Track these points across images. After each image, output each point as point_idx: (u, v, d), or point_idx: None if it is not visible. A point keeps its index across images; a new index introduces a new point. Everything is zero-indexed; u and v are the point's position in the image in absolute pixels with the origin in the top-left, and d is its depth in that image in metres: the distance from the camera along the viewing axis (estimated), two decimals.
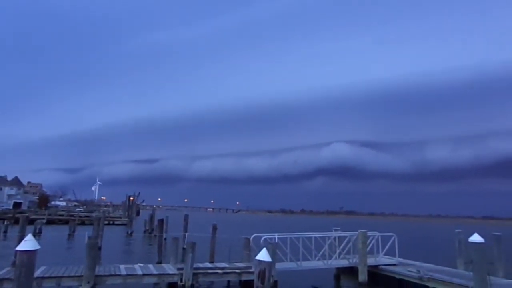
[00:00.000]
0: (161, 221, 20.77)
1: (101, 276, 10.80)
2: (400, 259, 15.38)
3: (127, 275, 11.16)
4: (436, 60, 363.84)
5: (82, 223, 44.13)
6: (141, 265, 12.76)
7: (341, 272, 15.27)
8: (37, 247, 6.77)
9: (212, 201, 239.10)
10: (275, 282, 12.34)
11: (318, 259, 14.04)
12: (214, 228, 18.87)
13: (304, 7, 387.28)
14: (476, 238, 9.61)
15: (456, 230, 15.62)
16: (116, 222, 49.21)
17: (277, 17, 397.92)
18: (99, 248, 21.00)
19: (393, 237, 15.24)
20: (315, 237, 14.35)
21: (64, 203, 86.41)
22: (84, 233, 12.90)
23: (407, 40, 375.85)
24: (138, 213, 69.25)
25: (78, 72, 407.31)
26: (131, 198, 56.13)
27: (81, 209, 68.30)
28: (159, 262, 16.25)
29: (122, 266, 12.25)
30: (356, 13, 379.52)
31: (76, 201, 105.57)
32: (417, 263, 15.47)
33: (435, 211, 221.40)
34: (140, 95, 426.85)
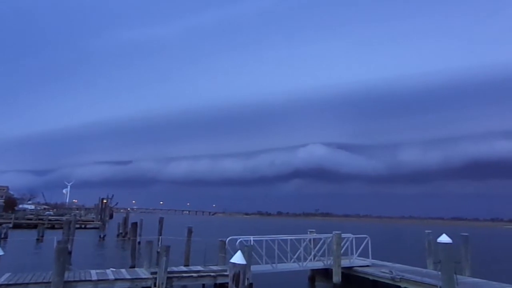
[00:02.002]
0: (135, 224, 20.31)
1: (70, 282, 10.43)
2: (373, 260, 15.69)
3: (98, 280, 10.83)
4: (409, 64, 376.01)
5: (52, 227, 42.59)
6: (114, 269, 12.42)
7: (316, 273, 15.42)
8: (1, 253, 6.47)
9: (188, 204, 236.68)
10: (251, 284, 12.31)
11: (293, 261, 14.12)
12: (190, 231, 18.65)
13: (281, 9, 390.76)
14: (444, 238, 9.94)
15: (426, 231, 16.12)
16: (88, 226, 47.82)
17: (254, 18, 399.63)
18: (69, 253, 20.30)
19: (366, 239, 15.54)
20: (291, 240, 14.43)
21: (32, 207, 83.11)
22: (53, 238, 12.44)
23: (383, 44, 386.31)
24: (111, 216, 67.55)
25: (48, 71, 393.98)
26: (104, 201, 54.60)
27: (51, 213, 65.88)
28: (133, 267, 15.87)
29: (93, 271, 11.89)
30: (333, 16, 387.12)
31: (45, 204, 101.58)
32: (390, 264, 15.85)
33: (408, 212, 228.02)
34: (113, 95, 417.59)
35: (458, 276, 11.03)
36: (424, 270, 14.33)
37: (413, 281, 12.24)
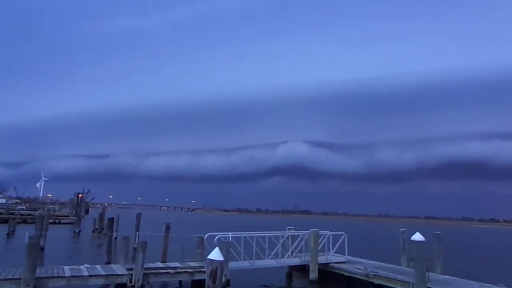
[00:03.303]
0: (111, 220, 19.94)
1: (42, 278, 10.14)
2: (349, 257, 16.00)
3: (72, 276, 10.58)
4: (389, 65, 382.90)
5: (24, 221, 41.26)
6: (88, 266, 12.16)
7: (293, 270, 15.59)
8: None
9: (166, 200, 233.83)
10: (228, 281, 12.33)
11: (271, 258, 14.23)
12: (168, 227, 18.48)
13: (266, 6, 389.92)
14: (417, 236, 10.24)
15: (401, 229, 16.54)
16: (62, 221, 46.58)
17: (238, 14, 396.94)
18: (42, 249, 19.77)
19: (343, 236, 15.83)
20: (269, 236, 14.53)
21: (3, 201, 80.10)
22: (25, 232, 12.06)
23: (365, 44, 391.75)
24: (87, 212, 66.05)
25: (22, 61, 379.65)
26: (80, 196, 53.40)
27: (23, 207, 63.81)
28: (108, 263, 15.60)
29: (66, 267, 11.60)
30: (317, 14, 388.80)
31: (17, 198, 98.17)
32: (365, 260, 16.19)
33: (384, 211, 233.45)
34: (91, 87, 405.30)
35: (430, 273, 11.38)
36: (398, 267, 14.72)
37: (386, 277, 12.56)
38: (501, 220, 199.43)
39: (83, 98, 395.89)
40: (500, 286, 11.66)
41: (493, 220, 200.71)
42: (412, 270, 10.73)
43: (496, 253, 33.87)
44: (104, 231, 29.85)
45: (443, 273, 13.89)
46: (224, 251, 11.26)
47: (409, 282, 11.20)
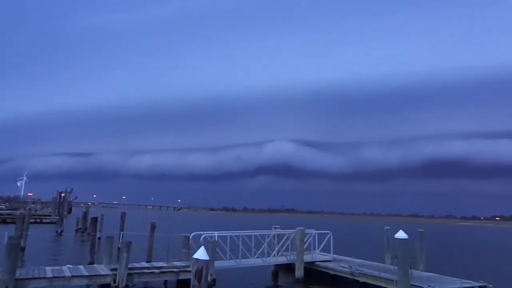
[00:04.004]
0: (95, 219, 19.63)
1: (22, 279, 9.90)
2: (334, 255, 16.13)
3: (53, 277, 10.35)
4: (374, 65, 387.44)
5: (3, 221, 40.20)
6: (70, 266, 11.92)
7: (279, 269, 15.63)
8: None
9: (152, 199, 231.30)
10: (214, 280, 12.28)
11: (257, 257, 14.22)
12: (153, 227, 18.26)
13: (251, 3, 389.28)
14: (401, 234, 10.39)
15: (385, 228, 16.77)
16: (44, 221, 45.56)
17: (223, 11, 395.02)
18: (22, 249, 19.29)
19: (329, 235, 15.95)
20: (255, 235, 14.52)
21: None
22: (4, 233, 11.73)
23: (351, 43, 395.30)
24: (70, 211, 64.75)
25: (3, 54, 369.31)
26: (62, 195, 52.26)
27: (3, 206, 62.20)
28: (91, 263, 15.32)
29: (48, 268, 11.35)
30: (304, 12, 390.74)
31: None
32: (350, 259, 16.35)
33: (369, 209, 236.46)
34: (75, 83, 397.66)
35: (413, 271, 11.58)
36: (382, 265, 14.92)
37: (371, 275, 12.71)
38: (482, 218, 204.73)
39: (66, 95, 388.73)
40: (480, 282, 11.95)
41: (474, 218, 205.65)
42: (396, 267, 10.87)
43: (476, 250, 34.71)
44: (87, 231, 29.32)
45: (426, 270, 14.15)
46: (210, 250, 11.20)
47: (393, 280, 11.35)
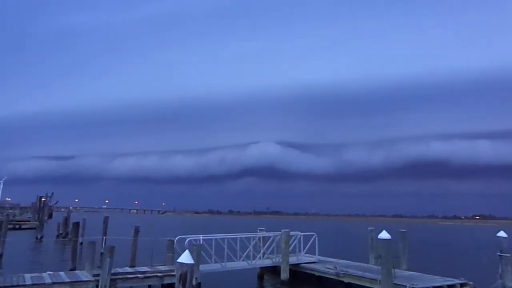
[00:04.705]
0: (76, 224, 19.18)
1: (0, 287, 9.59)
2: (319, 257, 16.24)
3: (33, 284, 10.08)
4: (357, 67, 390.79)
5: None
6: (51, 273, 11.63)
7: (264, 271, 15.63)
8: None
9: (135, 202, 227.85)
10: (199, 284, 12.20)
11: (243, 260, 14.20)
12: (136, 231, 18.02)
13: (237, 4, 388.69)
14: (384, 235, 10.55)
15: (369, 228, 16.99)
16: (23, 226, 44.34)
17: (208, 11, 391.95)
18: (0, 256, 18.74)
19: (314, 236, 16.05)
20: (240, 238, 14.49)
21: None
22: None
23: (334, 46, 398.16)
24: (50, 216, 63.20)
25: None
26: (43, 199, 50.99)
27: None
28: (73, 269, 14.97)
29: (27, 275, 11.03)
30: (289, 15, 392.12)
31: None
32: (335, 260, 16.49)
33: (354, 210, 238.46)
34: (54, 84, 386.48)
35: (396, 270, 11.76)
36: (366, 265, 15.10)
37: (355, 276, 12.85)
38: (462, 217, 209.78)
39: (45, 97, 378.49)
40: (460, 280, 12.25)
41: (455, 217, 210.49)
42: (380, 267, 11.02)
43: (457, 249, 35.53)
44: (69, 236, 28.67)
45: (408, 269, 14.40)
46: (195, 254, 11.13)
47: (376, 280, 11.51)
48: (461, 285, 12.05)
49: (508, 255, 13.16)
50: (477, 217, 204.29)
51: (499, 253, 13.03)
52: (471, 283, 12.22)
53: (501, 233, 13.41)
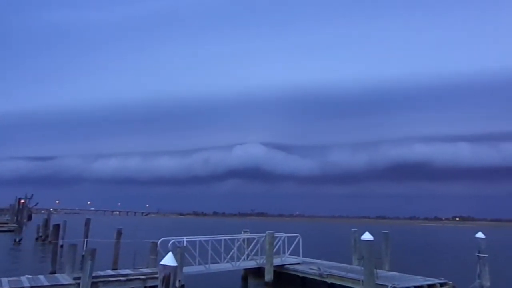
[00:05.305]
0: (57, 226, 18.77)
1: None
2: (304, 258, 16.33)
3: None
4: (341, 69, 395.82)
5: None
6: (29, 276, 11.34)
7: (248, 273, 15.62)
8: None
9: (118, 204, 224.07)
10: (182, 286, 12.11)
11: (227, 261, 14.16)
12: (119, 233, 17.74)
13: (225, 5, 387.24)
14: (367, 236, 10.70)
15: (352, 229, 17.19)
16: (1, 229, 43.09)
17: (196, 11, 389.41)
18: None
19: (298, 238, 16.14)
20: (225, 240, 14.45)
21: None
22: None
23: (319, 48, 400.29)
24: (29, 218, 61.58)
25: None
26: (22, 201, 49.68)
27: None
28: (53, 272, 14.62)
29: (4, 279, 10.75)
30: (275, 16, 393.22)
31: None
32: (319, 261, 16.61)
33: (338, 212, 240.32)
34: (34, 82, 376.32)
35: (378, 271, 11.94)
36: (350, 266, 15.26)
37: (338, 276, 12.99)
38: (443, 218, 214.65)
39: (24, 96, 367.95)
40: (440, 280, 12.53)
41: (436, 219, 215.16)
42: (363, 268, 11.17)
43: (438, 249, 36.30)
44: (49, 239, 28.02)
45: (391, 270, 14.63)
46: (178, 256, 11.04)
47: (359, 280, 11.66)
48: (441, 284, 12.33)
49: (486, 255, 13.53)
50: (457, 219, 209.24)
51: (477, 254, 13.39)
52: (450, 282, 12.52)
53: (479, 234, 13.78)
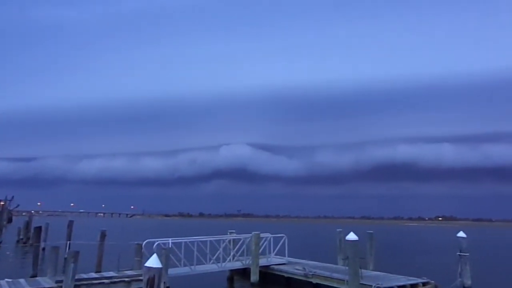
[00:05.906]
0: (38, 229, 18.30)
1: None
2: (289, 258, 16.40)
3: None
4: (327, 71, 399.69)
5: None
6: (9, 280, 11.07)
7: (234, 274, 15.61)
8: None
9: (102, 205, 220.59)
10: None
11: (213, 263, 14.12)
12: (103, 235, 17.46)
13: (209, 5, 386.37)
14: (351, 236, 10.83)
15: (338, 230, 17.36)
16: None
17: (180, 12, 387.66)
18: None
19: (283, 238, 16.20)
20: (210, 241, 14.40)
21: None
22: None
23: (305, 49, 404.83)
24: (10, 221, 60.03)
25: None
26: (2, 203, 48.46)
27: None
28: (34, 276, 14.31)
29: None
30: (262, 16, 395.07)
31: None
32: (304, 261, 16.71)
33: (323, 212, 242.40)
34: (15, 82, 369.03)
35: (363, 270, 12.08)
36: (335, 266, 15.40)
37: (323, 276, 13.09)
38: (427, 218, 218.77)
39: (5, 95, 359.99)
40: (423, 279, 12.76)
41: (419, 219, 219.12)
42: (347, 268, 11.29)
43: (421, 249, 36.96)
44: (30, 242, 27.36)
45: (375, 269, 14.84)
46: (163, 258, 10.94)
47: (344, 280, 11.78)
48: (423, 284, 12.56)
49: (467, 254, 13.87)
50: (440, 218, 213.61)
51: (458, 253, 13.71)
52: (432, 282, 12.76)
53: (461, 234, 14.12)
